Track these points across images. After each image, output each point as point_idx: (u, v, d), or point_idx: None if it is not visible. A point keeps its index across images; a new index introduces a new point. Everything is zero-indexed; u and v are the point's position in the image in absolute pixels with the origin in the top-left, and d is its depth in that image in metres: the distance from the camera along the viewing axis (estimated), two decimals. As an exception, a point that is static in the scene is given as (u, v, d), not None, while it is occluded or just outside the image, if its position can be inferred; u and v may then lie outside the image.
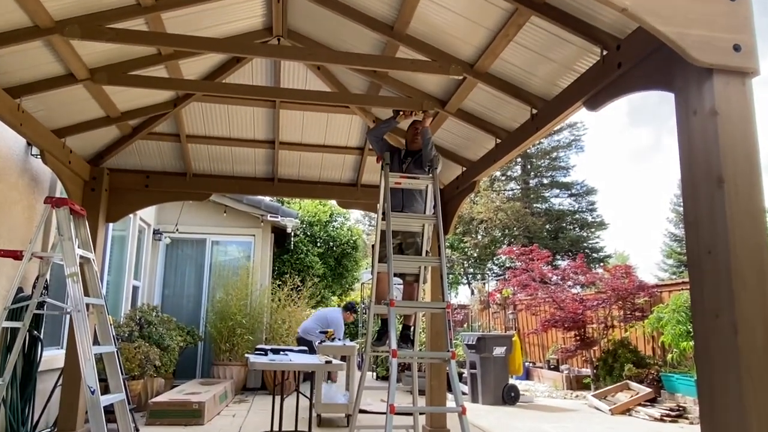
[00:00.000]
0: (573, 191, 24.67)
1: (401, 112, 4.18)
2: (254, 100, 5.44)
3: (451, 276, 22.40)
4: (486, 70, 3.94)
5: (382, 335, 3.81)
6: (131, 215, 7.93)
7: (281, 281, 10.00)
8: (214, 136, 5.97)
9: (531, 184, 24.85)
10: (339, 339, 6.83)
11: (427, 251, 3.88)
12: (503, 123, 4.58)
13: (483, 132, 4.79)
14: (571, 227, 23.83)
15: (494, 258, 23.62)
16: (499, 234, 23.51)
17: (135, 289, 8.49)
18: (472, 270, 24.38)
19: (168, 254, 9.47)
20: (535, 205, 24.60)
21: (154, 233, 9.20)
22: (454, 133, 5.28)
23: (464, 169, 5.56)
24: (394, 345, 2.95)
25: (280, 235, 10.66)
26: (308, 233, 12.83)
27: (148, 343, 6.79)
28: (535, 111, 3.98)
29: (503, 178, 24.77)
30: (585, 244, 23.19)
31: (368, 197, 6.40)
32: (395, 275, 3.67)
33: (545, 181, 24.99)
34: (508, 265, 22.05)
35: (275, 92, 4.86)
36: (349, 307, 7.36)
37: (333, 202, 11.93)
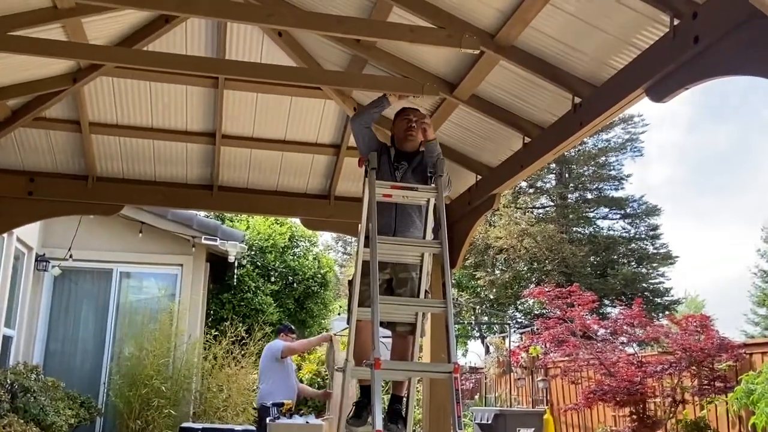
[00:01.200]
0: (628, 210, 25.00)
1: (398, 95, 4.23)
2: (188, 76, 5.46)
3: (458, 327, 22.44)
4: (512, 42, 4.01)
5: (362, 410, 3.76)
6: (4, 235, 7.80)
7: (219, 330, 9.90)
8: (130, 125, 5.95)
9: (570, 200, 25.16)
10: (286, 376, 6.85)
11: (426, 291, 3.85)
12: (534, 115, 4.65)
13: (506, 127, 4.85)
14: (625, 261, 24.11)
15: (518, 302, 23.73)
16: (525, 268, 23.65)
17: (6, 340, 8.33)
18: (486, 318, 24.45)
19: (57, 290, 9.34)
20: (575, 228, 24.83)
21: (36, 260, 9.05)
22: (467, 128, 5.34)
23: (479, 177, 5.63)
24: (379, 424, 2.91)
25: (218, 265, 10.59)
26: (259, 263, 12.75)
27: (23, 419, 6.62)
28: (578, 100, 4.04)
29: (532, 191, 25.07)
30: (644, 285, 23.44)
31: (345, 214, 6.44)
32: (382, 325, 3.62)
33: (589, 195, 25.32)
34: (537, 313, 22.10)
35: (218, 66, 4.89)
36: (284, 329, 7.36)
37: (295, 220, 11.88)
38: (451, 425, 3.39)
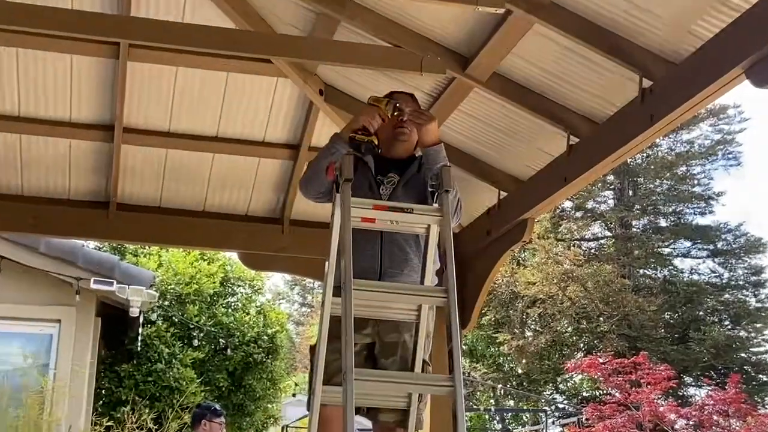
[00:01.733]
0: (719, 245, 25.14)
1: (377, 115, 4.13)
2: (75, 40, 5.43)
3: (471, 414, 22.31)
4: (551, -2, 4.08)
5: None
6: None
7: (114, 419, 9.79)
8: (-14, 113, 5.94)
9: (635, 229, 25.32)
10: None
11: (425, 363, 3.83)
12: (584, 105, 4.68)
13: (542, 121, 4.87)
14: (716, 319, 24.24)
15: (558, 378, 23.72)
16: (570, 329, 23.68)
17: None
18: (513, 402, 24.41)
19: None
20: (642, 271, 24.95)
21: None
22: (485, 123, 5.36)
23: (503, 195, 5.62)
24: None
25: (115, 321, 10.48)
26: (175, 319, 12.65)
27: None
28: (648, 83, 4.08)
29: (579, 215, 25.20)
30: (743, 355, 23.51)
31: (304, 247, 6.43)
32: (359, 412, 3.58)
33: (663, 222, 25.50)
34: (586, 395, 22.13)
35: (119, 26, 4.87)
36: (206, 413, 7.17)
37: (232, 255, 11.79)
38: None
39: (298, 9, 5.21)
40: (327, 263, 3.71)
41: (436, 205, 3.71)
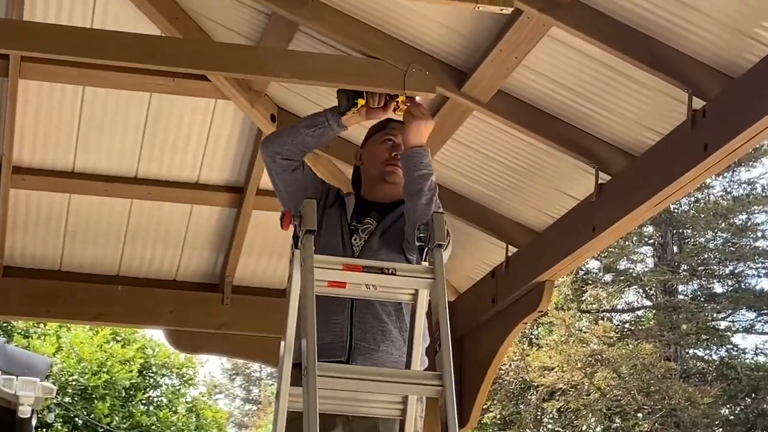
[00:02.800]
0: (793, 318, 25.12)
1: (364, 96, 4.21)
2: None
3: None
4: (572, -6, 4.12)
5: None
6: None
7: None
8: None
9: (681, 296, 25.29)
10: None
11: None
12: (616, 132, 4.72)
13: (562, 153, 4.92)
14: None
15: (586, 495, 23.54)
16: (599, 429, 23.56)
17: None
18: None
19: None
20: (691, 351, 24.90)
21: None
22: (488, 155, 5.41)
23: (511, 251, 5.63)
24: None
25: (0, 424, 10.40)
26: (79, 420, 12.56)
27: None
28: (700, 104, 4.10)
29: (609, 278, 25.18)
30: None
31: (249, 322, 6.46)
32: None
33: (717, 288, 25.48)
34: None
35: (8, 34, 4.87)
36: None
37: (154, 333, 11.75)
38: None
39: (244, 10, 5.25)
40: (282, 343, 3.69)
41: (425, 264, 3.72)
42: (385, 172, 4.04)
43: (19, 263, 6.38)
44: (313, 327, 3.42)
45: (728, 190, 25.15)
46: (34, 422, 10.72)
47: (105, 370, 12.97)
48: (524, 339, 22.87)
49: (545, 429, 24.07)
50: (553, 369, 22.53)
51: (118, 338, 13.57)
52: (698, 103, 4.11)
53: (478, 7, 4.01)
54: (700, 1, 3.90)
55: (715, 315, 24.81)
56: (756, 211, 25.13)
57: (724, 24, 3.93)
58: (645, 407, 22.59)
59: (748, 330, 25.26)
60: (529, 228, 5.54)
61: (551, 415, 23.95)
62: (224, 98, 5.72)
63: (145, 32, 5.27)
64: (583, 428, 23.31)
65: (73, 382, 12.79)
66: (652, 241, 25.14)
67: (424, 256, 3.76)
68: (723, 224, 24.96)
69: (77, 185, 6.19)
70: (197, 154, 6.16)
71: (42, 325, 13.48)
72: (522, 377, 23.06)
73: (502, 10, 4.06)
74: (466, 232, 5.62)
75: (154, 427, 12.93)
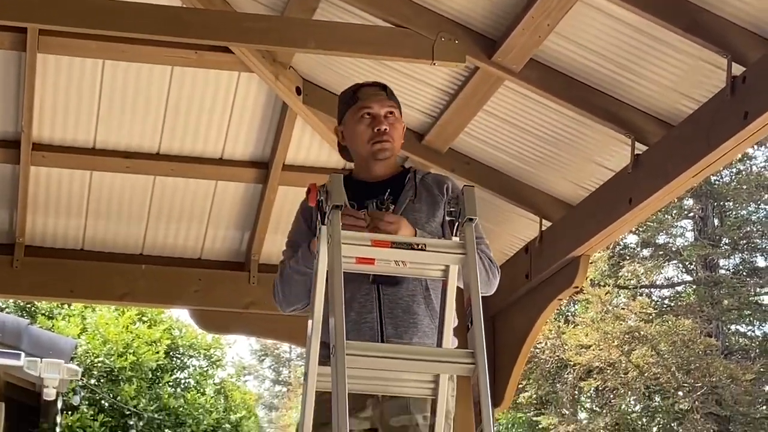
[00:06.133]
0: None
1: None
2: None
3: None
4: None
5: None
6: None
7: None
8: None
9: (723, 271, 25.22)
10: None
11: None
12: (652, 101, 4.69)
13: (596, 123, 4.90)
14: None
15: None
16: (639, 407, 23.54)
17: None
18: None
19: None
20: (732, 326, 24.85)
21: None
22: (520, 127, 5.39)
23: (545, 225, 5.65)
24: None
25: (24, 405, 10.48)
26: (105, 402, 12.62)
27: None
28: (740, 69, 4.07)
29: (647, 253, 25.11)
30: None
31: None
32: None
33: (760, 262, 25.40)
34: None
35: (26, 7, 4.87)
36: None
37: (180, 313, 11.78)
38: None
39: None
40: (310, 322, 3.69)
41: (456, 239, 3.71)
42: (374, 152, 3.96)
43: (40, 243, 6.41)
44: (341, 304, 3.41)
45: (771, 156, 25.03)
46: (59, 405, 10.79)
47: (131, 351, 13.04)
48: (560, 316, 22.86)
49: (582, 408, 24.06)
50: (589, 347, 22.50)
51: (144, 319, 13.63)
52: (738, 69, 4.07)
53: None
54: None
55: (758, 290, 24.75)
56: (799, 184, 25.05)
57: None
58: (685, 385, 22.53)
59: (793, 306, 25.21)
60: (564, 201, 5.52)
61: (588, 395, 23.95)
62: (248, 71, 5.73)
63: (165, 3, 5.26)
64: (622, 407, 23.27)
65: (99, 364, 12.86)
66: (692, 214, 25.03)
67: (454, 231, 3.75)
68: (766, 196, 24.85)
69: (98, 162, 6.21)
70: (221, 129, 6.16)
71: (66, 306, 13.54)
72: (558, 356, 23.04)
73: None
74: (498, 207, 5.61)
75: (181, 408, 12.98)
